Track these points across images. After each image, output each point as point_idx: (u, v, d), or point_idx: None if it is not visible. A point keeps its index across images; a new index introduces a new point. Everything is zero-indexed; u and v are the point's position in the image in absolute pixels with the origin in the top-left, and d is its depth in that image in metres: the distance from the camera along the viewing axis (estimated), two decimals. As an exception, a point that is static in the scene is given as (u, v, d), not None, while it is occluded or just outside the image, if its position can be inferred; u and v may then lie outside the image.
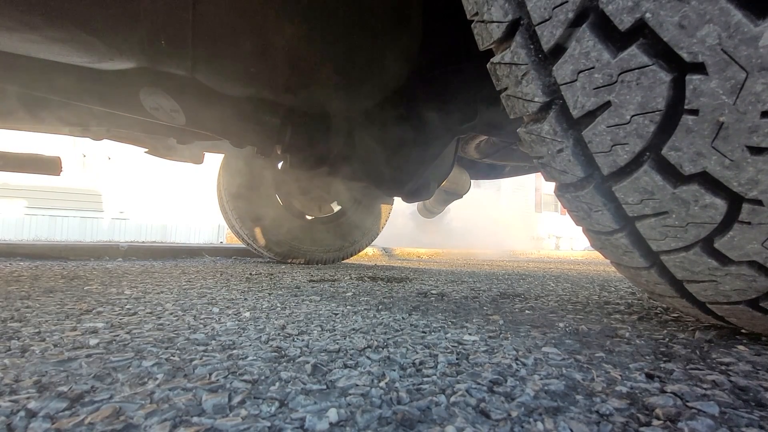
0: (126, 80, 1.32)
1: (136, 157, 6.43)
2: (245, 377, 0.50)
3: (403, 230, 7.23)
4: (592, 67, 0.49)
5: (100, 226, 7.57)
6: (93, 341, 0.65)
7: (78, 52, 1.04)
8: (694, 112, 0.45)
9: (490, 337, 0.74)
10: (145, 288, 1.28)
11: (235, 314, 0.90)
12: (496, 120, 1.48)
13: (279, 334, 0.73)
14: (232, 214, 2.56)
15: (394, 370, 0.54)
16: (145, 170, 7.57)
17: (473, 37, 0.60)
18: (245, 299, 1.11)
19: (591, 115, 0.52)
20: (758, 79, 0.42)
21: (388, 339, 0.71)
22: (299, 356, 0.59)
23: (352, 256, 2.96)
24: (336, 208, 2.84)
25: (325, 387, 0.48)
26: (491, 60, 0.58)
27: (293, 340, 0.69)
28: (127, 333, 0.70)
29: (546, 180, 0.66)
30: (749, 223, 0.49)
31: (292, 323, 0.82)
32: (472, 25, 0.59)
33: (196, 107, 1.44)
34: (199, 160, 2.30)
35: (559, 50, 0.50)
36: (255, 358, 0.58)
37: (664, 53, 0.45)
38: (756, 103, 0.42)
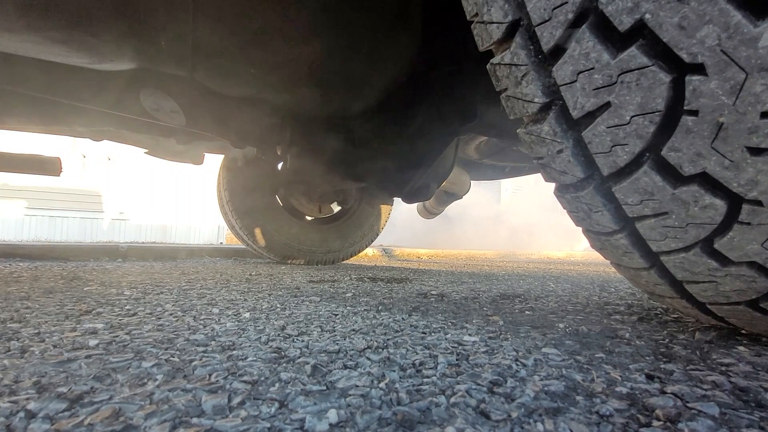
0: (126, 81, 1.32)
1: (136, 157, 6.43)
2: (245, 378, 0.50)
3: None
4: (592, 68, 0.49)
5: (100, 226, 7.56)
6: (92, 342, 0.64)
7: (78, 53, 1.04)
8: (694, 112, 0.45)
9: (490, 337, 0.74)
10: (144, 289, 1.28)
11: (235, 315, 0.90)
12: (495, 121, 1.48)
13: (279, 334, 0.73)
14: (232, 215, 2.56)
15: (394, 371, 0.54)
16: (145, 171, 7.58)
17: (473, 38, 0.60)
18: (245, 300, 1.11)
19: (591, 115, 0.52)
20: (758, 80, 0.42)
21: (388, 340, 0.70)
22: (299, 357, 0.59)
23: (352, 256, 2.96)
24: (336, 208, 2.84)
25: (324, 388, 0.48)
26: (491, 61, 0.58)
27: (293, 340, 0.69)
28: (127, 334, 0.70)
29: (546, 181, 0.66)
30: (749, 223, 0.49)
31: (292, 324, 0.82)
32: (472, 26, 0.59)
33: (196, 108, 1.44)
34: (199, 161, 2.30)
35: (558, 51, 0.50)
36: (255, 358, 0.58)
37: (663, 54, 0.45)
38: (755, 103, 0.42)
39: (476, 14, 0.57)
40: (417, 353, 0.63)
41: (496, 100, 1.35)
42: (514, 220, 9.33)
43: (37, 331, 0.71)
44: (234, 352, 0.61)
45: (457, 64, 1.40)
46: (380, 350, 0.64)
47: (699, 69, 0.44)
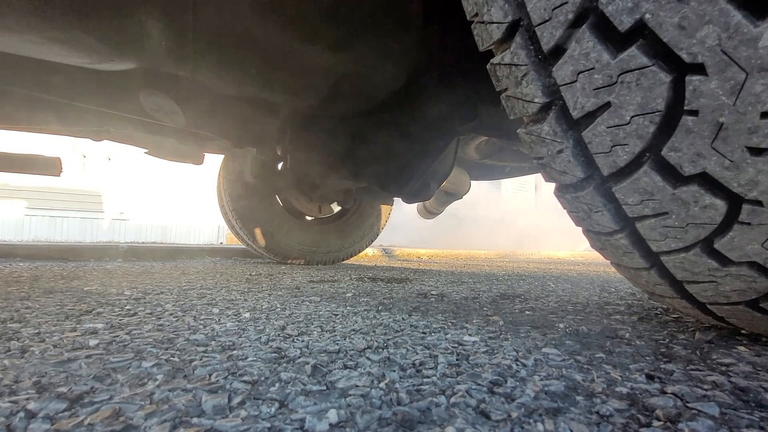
0: (126, 81, 1.32)
1: (136, 157, 6.43)
2: (245, 378, 0.50)
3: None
4: (592, 68, 0.49)
5: (100, 226, 7.56)
6: (93, 342, 0.64)
7: (78, 53, 1.04)
8: (694, 112, 0.45)
9: (490, 337, 0.74)
10: (144, 289, 1.28)
11: (235, 315, 0.90)
12: (496, 121, 1.48)
13: (279, 334, 0.73)
14: (232, 215, 2.56)
15: (394, 371, 0.54)
16: (145, 171, 7.58)
17: (473, 38, 0.60)
18: (245, 300, 1.11)
19: (591, 115, 0.52)
20: (758, 80, 0.42)
21: (388, 340, 0.70)
22: (299, 357, 0.59)
23: (352, 256, 2.96)
24: (336, 208, 2.84)
25: (325, 388, 0.48)
26: (491, 61, 0.58)
27: (293, 340, 0.69)
28: (127, 334, 0.70)
29: (546, 181, 0.66)
30: (749, 223, 0.49)
31: (292, 324, 0.82)
32: (472, 26, 0.59)
33: (196, 108, 1.44)
34: (199, 161, 2.30)
35: (558, 51, 0.50)
36: (255, 358, 0.58)
37: (663, 54, 0.45)
38: (756, 103, 0.42)
39: (476, 14, 0.57)
40: (417, 353, 0.63)
41: (496, 100, 1.36)
42: (514, 220, 9.36)
43: (37, 331, 0.71)
44: (234, 352, 0.61)
45: (457, 63, 1.40)
46: (380, 350, 0.64)
47: (699, 69, 0.44)
